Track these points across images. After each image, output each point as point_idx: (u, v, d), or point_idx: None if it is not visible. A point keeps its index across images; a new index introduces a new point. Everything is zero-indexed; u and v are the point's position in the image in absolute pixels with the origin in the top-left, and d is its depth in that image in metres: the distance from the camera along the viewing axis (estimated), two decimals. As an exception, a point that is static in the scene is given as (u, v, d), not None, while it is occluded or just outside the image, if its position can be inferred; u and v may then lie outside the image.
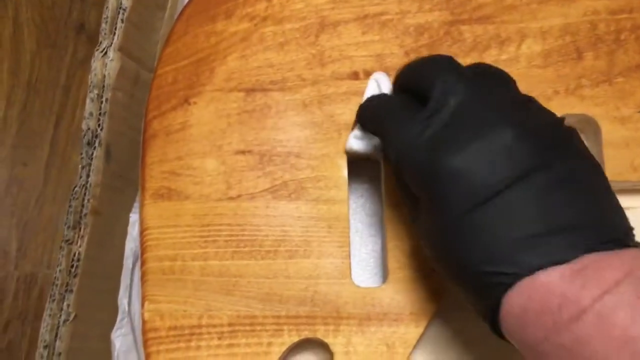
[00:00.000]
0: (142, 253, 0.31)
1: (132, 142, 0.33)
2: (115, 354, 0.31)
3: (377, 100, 0.29)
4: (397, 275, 0.31)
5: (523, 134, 0.22)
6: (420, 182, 0.24)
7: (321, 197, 0.31)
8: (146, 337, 0.30)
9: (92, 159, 0.30)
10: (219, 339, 0.30)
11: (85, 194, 0.30)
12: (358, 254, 0.34)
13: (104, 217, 0.31)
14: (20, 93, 0.98)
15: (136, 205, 0.34)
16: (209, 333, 0.30)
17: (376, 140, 0.30)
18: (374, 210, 0.35)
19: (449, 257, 0.23)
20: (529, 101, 0.25)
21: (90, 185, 0.30)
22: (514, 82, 0.26)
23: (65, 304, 0.29)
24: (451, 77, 0.24)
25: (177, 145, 0.32)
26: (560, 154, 0.22)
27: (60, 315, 0.28)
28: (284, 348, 0.30)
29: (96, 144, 0.30)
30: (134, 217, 0.34)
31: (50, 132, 0.96)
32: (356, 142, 0.31)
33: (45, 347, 0.28)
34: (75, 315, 0.29)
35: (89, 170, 0.30)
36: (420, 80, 0.25)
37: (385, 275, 0.31)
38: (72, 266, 0.29)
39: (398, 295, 0.30)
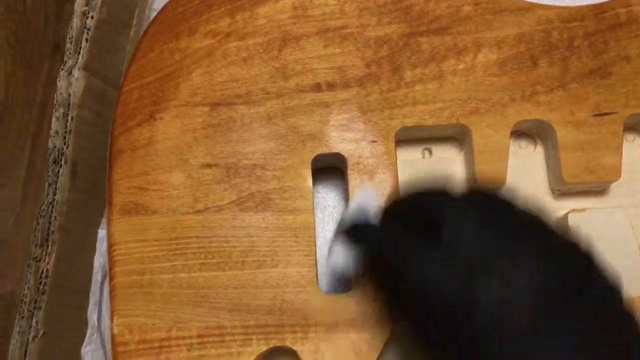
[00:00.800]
0: (111, 268, 0.31)
1: (99, 159, 0.34)
2: (85, 369, 0.31)
3: (373, 228, 0.28)
4: (363, 280, 0.31)
5: (546, 269, 0.22)
6: (446, 317, 0.23)
7: (287, 207, 0.32)
8: (116, 351, 0.30)
9: (58, 176, 0.30)
10: (188, 350, 0.30)
11: (52, 211, 0.30)
12: (327, 262, 0.35)
13: (72, 233, 0.31)
14: (-4, 114, 0.98)
15: (104, 221, 0.35)
16: (178, 345, 0.30)
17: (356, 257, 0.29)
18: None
19: None
20: (538, 222, 0.24)
21: (57, 202, 0.30)
22: (515, 201, 0.25)
23: (34, 321, 0.29)
24: (460, 204, 0.24)
25: (143, 160, 0.32)
26: (584, 286, 0.22)
27: (29, 332, 0.29)
28: (252, 357, 0.30)
29: (62, 162, 0.30)
30: (102, 232, 0.34)
31: (27, 152, 0.96)
32: (338, 259, 0.29)
33: (14, 364, 0.28)
34: (44, 332, 0.29)
35: (56, 187, 0.30)
36: (424, 209, 0.25)
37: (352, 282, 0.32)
38: (40, 283, 0.29)
39: (364, 300, 0.31)
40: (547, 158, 0.34)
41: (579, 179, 0.32)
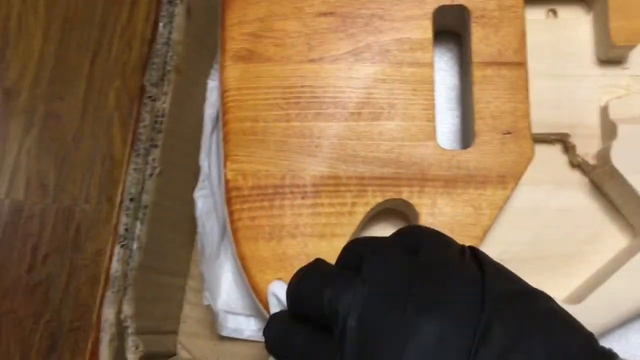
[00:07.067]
0: (224, 114, 0.30)
1: (208, 5, 0.33)
2: (197, 213, 0.31)
3: (280, 334, 0.24)
4: (484, 137, 0.30)
5: (445, 332, 0.19)
6: None
7: (405, 59, 0.31)
8: (229, 196, 0.30)
9: (173, 16, 0.29)
10: (302, 198, 0.30)
11: (167, 51, 0.29)
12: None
13: (185, 76, 0.31)
14: (57, 29, 0.98)
15: (213, 71, 0.34)
16: (292, 192, 0.30)
17: None
18: (454, 83, 0.34)
19: None
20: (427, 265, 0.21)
21: (172, 42, 0.29)
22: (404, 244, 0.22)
23: (150, 158, 0.28)
24: (340, 293, 0.20)
25: (257, 6, 0.31)
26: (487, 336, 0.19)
27: (146, 169, 0.28)
28: (368, 208, 0.30)
29: (177, 1, 0.30)
30: (211, 83, 0.33)
31: (87, 68, 0.96)
32: None
33: (131, 199, 0.28)
34: (160, 171, 0.29)
35: (171, 27, 0.29)
36: (310, 306, 0.22)
37: (467, 141, 0.31)
38: (155, 122, 0.28)
39: (485, 157, 0.30)
40: (683, 21, 0.32)
41: None
